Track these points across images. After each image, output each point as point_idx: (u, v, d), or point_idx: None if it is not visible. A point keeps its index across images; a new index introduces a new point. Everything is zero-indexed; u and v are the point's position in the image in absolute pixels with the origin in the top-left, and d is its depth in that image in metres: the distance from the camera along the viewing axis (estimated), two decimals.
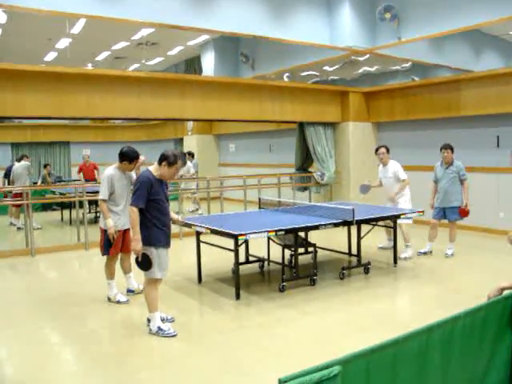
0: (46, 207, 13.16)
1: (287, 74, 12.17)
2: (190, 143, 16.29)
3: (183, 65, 14.52)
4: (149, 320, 4.57)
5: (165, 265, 4.51)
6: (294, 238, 5.90)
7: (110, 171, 5.28)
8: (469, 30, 9.01)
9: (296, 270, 6.04)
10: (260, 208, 7.52)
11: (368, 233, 6.76)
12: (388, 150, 7.51)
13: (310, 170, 11.33)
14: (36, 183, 12.93)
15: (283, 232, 5.49)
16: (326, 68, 11.60)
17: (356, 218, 5.94)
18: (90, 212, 11.53)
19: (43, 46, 11.37)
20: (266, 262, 6.76)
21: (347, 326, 4.70)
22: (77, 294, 5.88)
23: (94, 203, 11.31)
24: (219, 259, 6.90)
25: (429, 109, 9.73)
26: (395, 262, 6.86)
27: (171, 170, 4.44)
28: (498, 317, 2.74)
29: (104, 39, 11.07)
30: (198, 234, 6.12)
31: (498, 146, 8.95)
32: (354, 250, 6.71)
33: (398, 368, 2.22)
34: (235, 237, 5.15)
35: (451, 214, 7.24)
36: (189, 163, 12.14)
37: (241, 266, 5.77)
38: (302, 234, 6.15)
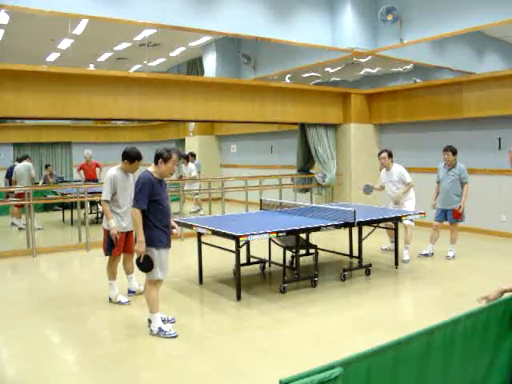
0: (47, 208, 13.16)
1: (289, 76, 12.18)
2: (192, 144, 16.30)
3: (185, 66, 14.55)
4: (149, 321, 4.56)
5: (165, 265, 4.51)
6: (296, 240, 5.89)
7: (112, 172, 5.27)
8: (471, 32, 9.02)
9: (297, 271, 6.03)
10: (261, 209, 7.52)
11: (369, 234, 6.76)
12: (391, 155, 7.49)
13: (311, 171, 11.33)
14: (38, 184, 12.95)
15: (284, 233, 5.49)
16: (328, 69, 11.61)
17: (357, 220, 5.94)
18: (91, 212, 11.55)
19: (45, 47, 11.40)
20: (267, 264, 6.76)
21: (348, 328, 4.69)
22: (78, 294, 5.88)
23: (95, 204, 11.33)
24: (220, 260, 6.90)
25: (430, 111, 9.72)
26: (396, 263, 6.86)
27: (169, 165, 4.44)
28: (500, 319, 2.73)
29: (106, 40, 11.10)
30: (199, 234, 6.12)
31: (499, 148, 8.94)
32: (356, 252, 6.71)
33: (399, 370, 2.22)
34: (236, 238, 5.15)
35: (451, 215, 7.24)
36: (191, 164, 12.13)
37: (242, 267, 5.77)
38: (303, 235, 6.15)
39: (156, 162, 4.44)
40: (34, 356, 4.16)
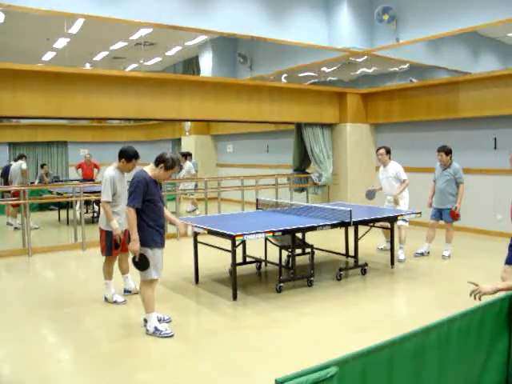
0: (43, 207, 13.12)
1: (285, 75, 12.18)
2: (188, 143, 16.29)
3: (181, 65, 14.50)
4: (145, 320, 4.56)
5: (160, 265, 4.51)
6: (292, 239, 5.90)
7: (110, 172, 5.24)
8: (467, 32, 9.04)
9: (293, 270, 6.04)
10: (257, 209, 7.52)
11: (365, 234, 6.77)
12: (388, 151, 7.54)
13: (307, 171, 11.34)
14: (33, 183, 12.90)
15: (280, 233, 5.50)
16: (324, 69, 11.62)
17: (353, 219, 5.95)
18: (87, 212, 11.52)
19: (41, 46, 11.35)
20: (263, 263, 6.77)
21: (344, 327, 4.70)
22: (74, 294, 5.87)
23: (91, 203, 11.31)
24: (216, 260, 6.90)
25: (427, 110, 9.74)
26: (392, 263, 6.87)
27: (167, 173, 4.45)
28: (495, 318, 2.75)
29: (102, 39, 11.06)
30: (196, 234, 6.12)
31: (495, 147, 8.97)
32: (352, 251, 6.72)
33: (395, 369, 2.22)
34: (232, 237, 5.15)
35: (446, 215, 7.28)
36: (188, 163, 12.11)
37: (238, 267, 5.77)
38: (299, 234, 6.16)
39: (156, 165, 4.43)
40: (29, 356, 4.15)
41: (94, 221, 10.90)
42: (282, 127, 12.49)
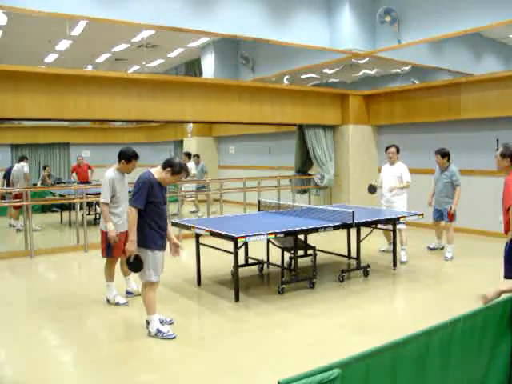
0: (45, 209, 13.13)
1: (287, 77, 12.19)
2: (190, 145, 16.29)
3: (183, 67, 14.54)
4: (148, 322, 4.55)
5: (160, 268, 4.50)
6: (294, 241, 5.89)
7: (110, 174, 5.25)
8: (469, 34, 9.03)
9: (295, 272, 6.03)
10: (259, 210, 7.52)
11: (367, 236, 6.76)
12: (398, 150, 7.57)
13: (309, 172, 11.33)
14: (35, 185, 12.92)
15: (283, 234, 5.48)
16: (326, 71, 11.62)
17: (355, 221, 5.94)
18: (89, 214, 11.53)
19: (43, 48, 11.38)
20: (265, 265, 6.75)
21: (346, 329, 4.69)
22: (76, 295, 5.87)
23: (93, 205, 11.31)
24: (218, 261, 6.89)
25: (429, 112, 9.73)
26: (394, 265, 6.85)
27: (173, 178, 4.44)
28: (498, 320, 2.74)
29: (104, 41, 11.09)
30: (198, 236, 6.11)
31: (497, 149, 8.89)
32: (354, 253, 6.71)
33: (398, 371, 2.22)
34: (235, 239, 5.14)
35: (444, 216, 7.41)
36: (190, 163, 12.11)
37: (240, 269, 5.76)
38: (301, 236, 6.15)
39: (163, 168, 4.42)
40: (32, 357, 4.15)
41: (95, 222, 10.90)
42: (284, 129, 12.48)
